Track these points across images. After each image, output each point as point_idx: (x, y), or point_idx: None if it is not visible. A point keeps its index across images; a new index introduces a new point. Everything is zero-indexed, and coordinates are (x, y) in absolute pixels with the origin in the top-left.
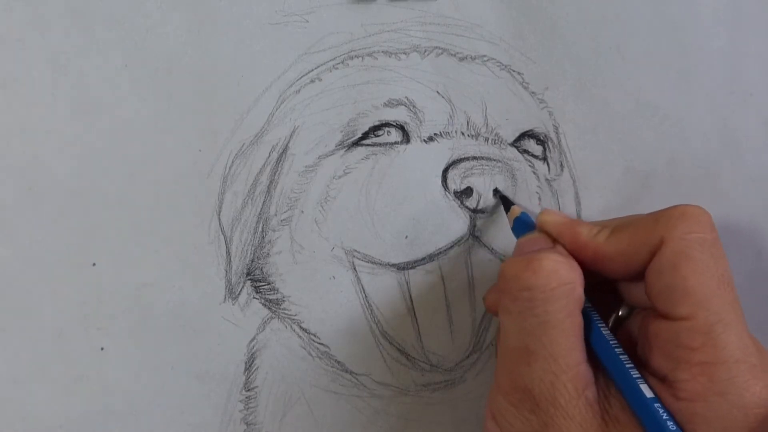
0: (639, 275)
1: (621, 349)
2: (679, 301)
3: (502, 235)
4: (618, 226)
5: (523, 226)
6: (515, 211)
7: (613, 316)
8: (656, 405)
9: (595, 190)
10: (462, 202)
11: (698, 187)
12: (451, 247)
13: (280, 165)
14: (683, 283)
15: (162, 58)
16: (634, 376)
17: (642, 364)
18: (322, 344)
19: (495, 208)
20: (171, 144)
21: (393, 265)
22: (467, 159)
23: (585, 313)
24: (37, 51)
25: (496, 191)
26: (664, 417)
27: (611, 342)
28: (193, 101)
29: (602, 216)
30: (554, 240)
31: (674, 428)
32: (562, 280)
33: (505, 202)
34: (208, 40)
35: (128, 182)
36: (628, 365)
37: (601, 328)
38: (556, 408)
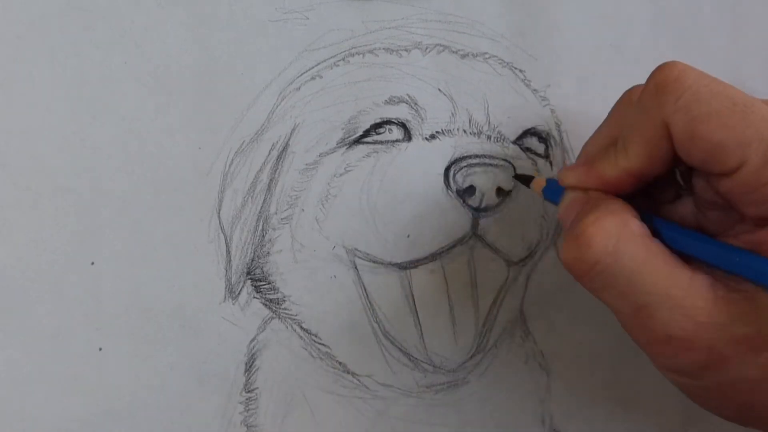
0: (677, 160)
1: (701, 233)
2: (724, 156)
3: (505, 234)
4: (623, 140)
5: (554, 194)
6: (539, 183)
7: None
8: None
9: None
10: (464, 201)
11: None
12: (454, 246)
13: (280, 163)
14: (714, 141)
15: (162, 56)
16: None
17: (731, 233)
18: (323, 344)
19: (498, 206)
20: (170, 142)
21: (395, 264)
22: (469, 157)
23: (657, 226)
24: (36, 49)
25: (515, 173)
26: None
27: (697, 235)
28: (193, 99)
29: None
30: (585, 190)
31: None
32: (613, 233)
33: (525, 180)
34: (207, 38)
35: (127, 180)
36: (719, 247)
37: (678, 232)
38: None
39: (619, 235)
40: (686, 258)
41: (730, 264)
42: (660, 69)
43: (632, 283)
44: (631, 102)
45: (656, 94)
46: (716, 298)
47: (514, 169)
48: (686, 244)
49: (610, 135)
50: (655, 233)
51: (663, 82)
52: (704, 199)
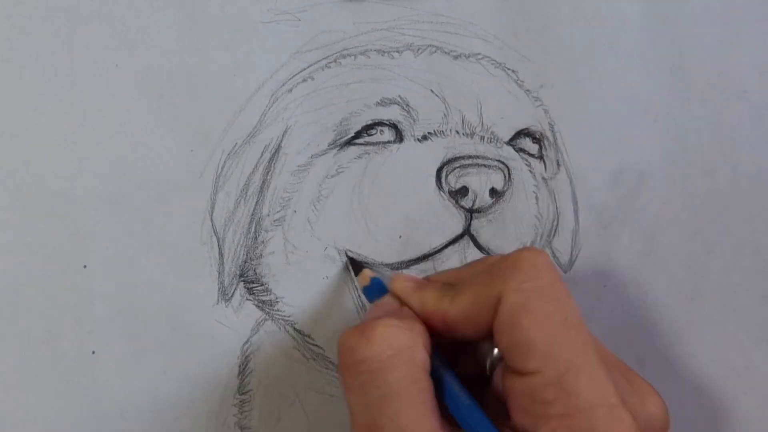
0: (490, 333)
1: (476, 409)
2: (524, 356)
3: (498, 235)
4: (461, 287)
5: (374, 293)
6: (365, 277)
7: (488, 363)
8: None
9: (591, 188)
10: (457, 202)
11: (693, 184)
12: (446, 246)
13: (272, 165)
14: (525, 337)
15: (153, 58)
16: None
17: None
18: (316, 345)
19: (491, 207)
20: (162, 144)
21: (387, 265)
22: (462, 158)
23: (437, 376)
24: (27, 51)
25: (347, 256)
26: None
27: (465, 403)
28: (185, 101)
29: (599, 215)
30: (403, 304)
31: None
32: (398, 345)
33: (355, 266)
34: (199, 40)
35: (119, 183)
36: (482, 426)
37: (456, 390)
38: None
39: (400, 351)
40: (450, 418)
41: None
42: (527, 249)
43: (383, 400)
44: (490, 263)
45: (508, 268)
46: None
47: (346, 254)
48: (455, 409)
49: (457, 279)
50: (438, 382)
51: (523, 260)
52: (497, 384)
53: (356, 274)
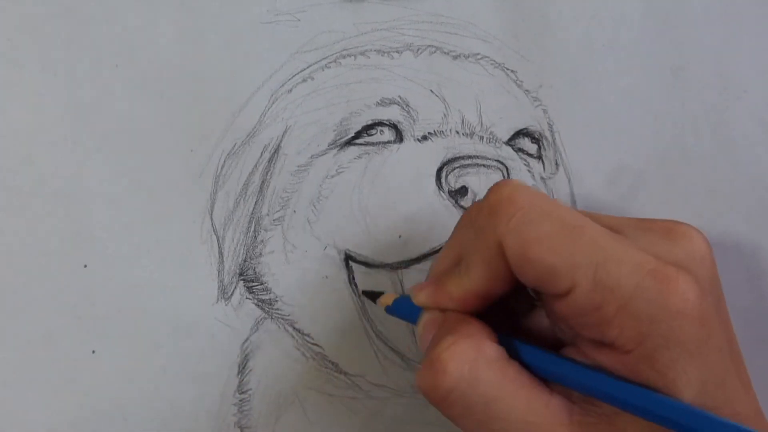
0: (514, 281)
1: (563, 360)
2: (553, 282)
3: None
4: (466, 259)
5: (405, 310)
6: (386, 299)
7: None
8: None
9: (589, 188)
10: (456, 202)
11: (692, 184)
12: None
13: (272, 165)
14: (542, 267)
15: (153, 58)
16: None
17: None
18: (315, 345)
19: None
20: (162, 144)
21: (386, 265)
22: (462, 158)
23: (515, 347)
24: (27, 51)
25: (363, 292)
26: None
27: (545, 355)
28: (185, 101)
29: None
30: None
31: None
32: (469, 357)
33: (373, 296)
34: (199, 40)
35: (119, 183)
36: (576, 373)
37: (537, 354)
38: None
39: (474, 360)
40: (544, 379)
41: (582, 387)
42: (493, 189)
43: (489, 410)
44: (469, 220)
45: (489, 215)
46: (572, 423)
47: (363, 291)
48: (542, 366)
49: (455, 254)
50: (513, 354)
51: (495, 202)
52: (550, 313)
53: (374, 302)
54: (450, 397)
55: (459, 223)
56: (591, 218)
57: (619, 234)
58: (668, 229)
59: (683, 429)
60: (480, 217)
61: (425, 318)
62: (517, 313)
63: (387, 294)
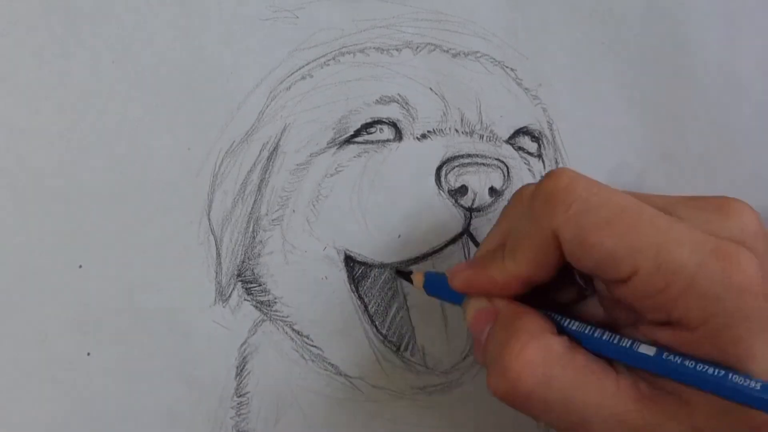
0: (563, 266)
1: (607, 333)
2: (614, 267)
3: None
4: (513, 242)
5: (437, 288)
6: (419, 278)
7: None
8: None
9: None
10: (456, 201)
11: (693, 182)
12: (446, 246)
13: (270, 163)
14: (603, 252)
15: (150, 55)
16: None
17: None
18: (315, 346)
19: (490, 206)
20: (159, 142)
21: (386, 265)
22: (461, 157)
23: (571, 331)
24: (23, 48)
25: (396, 270)
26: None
27: (604, 337)
28: (182, 98)
29: None
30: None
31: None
32: (538, 357)
33: (405, 276)
34: (197, 37)
35: (116, 182)
36: (623, 342)
37: (589, 335)
38: None
39: (545, 362)
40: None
41: (648, 365)
42: (549, 177)
43: (567, 403)
44: (520, 205)
45: (545, 204)
46: (642, 398)
47: (396, 269)
48: (602, 347)
49: (500, 239)
50: (570, 337)
51: (552, 191)
52: (607, 298)
53: (410, 281)
54: (529, 402)
55: (507, 208)
56: (642, 200)
57: (672, 214)
58: (719, 205)
59: (758, 404)
60: (535, 204)
61: (473, 307)
62: (562, 301)
63: (416, 273)
